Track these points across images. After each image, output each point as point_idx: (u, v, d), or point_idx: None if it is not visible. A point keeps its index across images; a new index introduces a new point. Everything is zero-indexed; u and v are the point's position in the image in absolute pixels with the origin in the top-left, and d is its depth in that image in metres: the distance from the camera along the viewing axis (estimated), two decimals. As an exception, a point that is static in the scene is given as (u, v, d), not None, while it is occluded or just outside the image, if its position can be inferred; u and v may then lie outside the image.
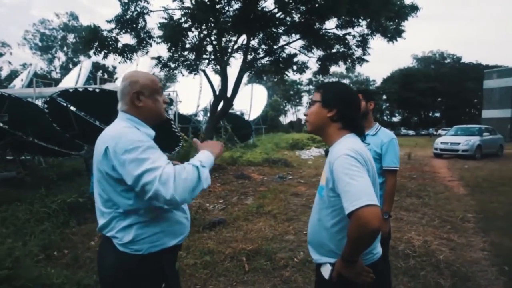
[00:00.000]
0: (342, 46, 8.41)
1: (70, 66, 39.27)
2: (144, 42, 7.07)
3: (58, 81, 25.06)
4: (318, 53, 8.64)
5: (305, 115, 1.48)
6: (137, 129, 1.32)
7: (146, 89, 1.36)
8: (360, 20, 8.19)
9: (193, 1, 6.59)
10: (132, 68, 18.22)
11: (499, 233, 4.41)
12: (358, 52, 8.56)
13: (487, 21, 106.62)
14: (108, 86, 16.11)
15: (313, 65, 9.03)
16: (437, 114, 41.09)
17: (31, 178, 9.64)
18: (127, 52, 6.78)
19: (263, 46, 8.14)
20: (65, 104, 8.31)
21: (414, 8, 8.55)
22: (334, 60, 8.62)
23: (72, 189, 6.17)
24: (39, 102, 10.60)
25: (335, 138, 1.39)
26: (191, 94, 16.62)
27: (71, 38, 42.80)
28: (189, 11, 6.67)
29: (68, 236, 4.23)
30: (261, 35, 8.08)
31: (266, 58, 8.16)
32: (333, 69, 9.07)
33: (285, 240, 4.09)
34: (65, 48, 43.28)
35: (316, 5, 7.19)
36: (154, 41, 7.18)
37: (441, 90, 37.98)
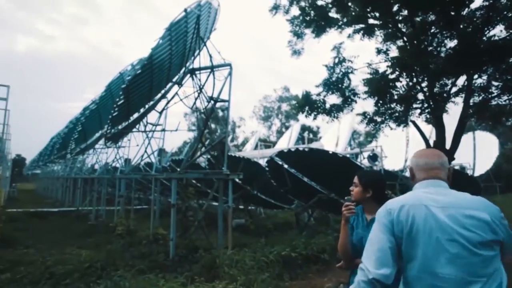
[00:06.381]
0: None
1: (283, 130, 46.38)
2: (349, 99, 7.23)
3: (275, 143, 29.84)
4: None
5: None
6: None
7: None
8: None
9: (401, 50, 6.25)
10: (335, 126, 19.17)
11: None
12: None
13: None
14: (314, 145, 17.62)
15: None
16: None
17: (254, 226, 11.43)
18: (334, 111, 7.12)
19: (495, 83, 6.52)
20: (280, 163, 9.56)
21: None
22: None
23: (285, 241, 6.63)
24: (262, 162, 12.72)
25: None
26: (396, 147, 15.44)
27: (284, 106, 51.15)
28: (396, 61, 6.34)
29: (282, 290, 4.41)
30: (490, 70, 6.56)
31: (505, 97, 6.38)
32: None
33: None
34: (279, 116, 51.91)
35: None
36: (359, 97, 7.22)
37: None
